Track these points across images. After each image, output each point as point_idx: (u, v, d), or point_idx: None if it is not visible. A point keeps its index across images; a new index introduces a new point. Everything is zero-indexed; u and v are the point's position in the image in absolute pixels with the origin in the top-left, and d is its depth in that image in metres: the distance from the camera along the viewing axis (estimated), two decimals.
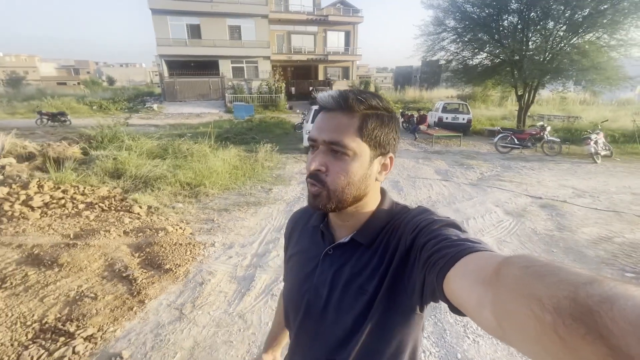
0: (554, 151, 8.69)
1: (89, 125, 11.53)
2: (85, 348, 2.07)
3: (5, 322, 2.24)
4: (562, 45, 10.34)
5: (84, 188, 4.88)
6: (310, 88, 23.56)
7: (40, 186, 4.71)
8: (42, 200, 4.32)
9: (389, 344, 0.61)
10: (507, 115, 17.03)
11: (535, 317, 0.25)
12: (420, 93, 27.86)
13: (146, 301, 2.53)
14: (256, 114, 16.63)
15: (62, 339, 2.12)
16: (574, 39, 10.04)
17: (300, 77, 26.54)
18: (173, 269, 2.94)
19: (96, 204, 4.37)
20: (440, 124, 11.96)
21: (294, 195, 5.32)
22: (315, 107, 9.02)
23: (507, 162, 7.95)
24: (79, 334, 2.15)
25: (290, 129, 12.25)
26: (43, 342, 2.09)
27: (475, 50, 11.96)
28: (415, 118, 11.88)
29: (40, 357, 1.99)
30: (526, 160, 8.19)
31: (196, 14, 21.63)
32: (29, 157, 6.53)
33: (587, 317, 0.22)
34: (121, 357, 2.02)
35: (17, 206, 4.10)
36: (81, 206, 4.25)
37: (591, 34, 9.91)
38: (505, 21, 11.21)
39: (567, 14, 9.92)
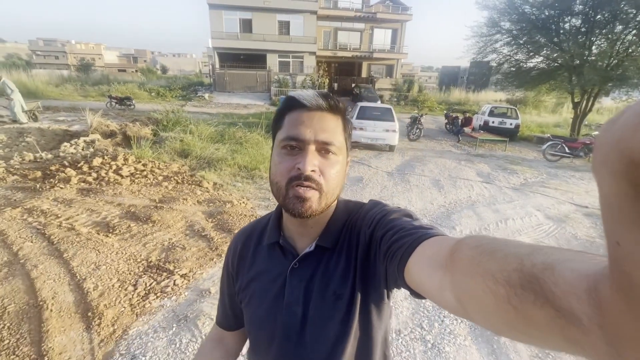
0: None
1: (150, 110, 12.81)
2: (182, 282, 2.66)
3: (122, 257, 2.90)
4: (630, 51, 9.68)
5: (159, 163, 5.68)
6: (353, 85, 23.77)
7: (125, 159, 5.57)
8: (129, 171, 5.14)
9: (374, 341, 0.61)
10: (560, 123, 16.13)
11: (491, 291, 0.27)
12: (466, 95, 26.91)
13: (222, 255, 3.09)
14: None
15: (164, 274, 2.73)
16: None
17: (344, 74, 26.76)
18: None
19: (171, 177, 5.11)
20: (486, 127, 11.72)
21: None
22: (361, 104, 9.33)
23: (554, 170, 7.75)
24: (176, 272, 2.75)
25: None
26: (151, 274, 2.71)
27: (531, 54, 11.52)
28: (459, 120, 11.75)
29: (151, 284, 2.60)
30: (576, 169, 7.92)
31: (249, 9, 22.64)
32: (110, 135, 7.58)
33: (534, 285, 0.24)
34: (209, 292, 2.57)
35: (110, 174, 4.94)
36: (160, 178, 5.01)
37: None
38: (567, 24, 10.68)
39: (638, 18, 9.28)
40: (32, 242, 3.03)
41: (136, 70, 57.26)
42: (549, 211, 4.91)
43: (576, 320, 0.21)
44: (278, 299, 0.62)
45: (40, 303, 2.26)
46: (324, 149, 0.56)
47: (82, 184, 4.58)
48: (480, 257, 0.30)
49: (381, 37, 26.64)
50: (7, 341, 1.97)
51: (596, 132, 9.28)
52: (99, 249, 2.97)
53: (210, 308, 2.38)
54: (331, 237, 0.62)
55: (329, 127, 0.56)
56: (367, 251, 0.57)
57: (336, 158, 0.57)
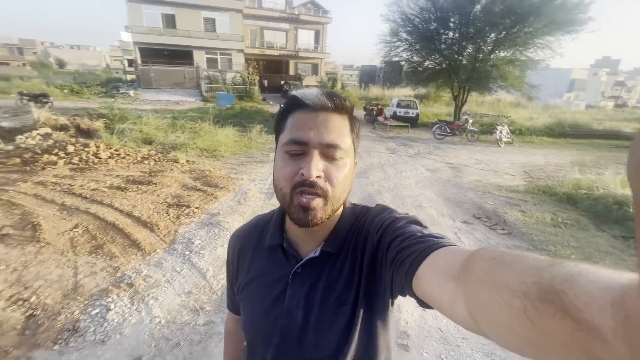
0: (474, 138, 11.58)
1: (72, 107, 12.52)
2: (197, 210, 4.03)
3: (147, 202, 4.12)
4: (485, 57, 13.33)
5: (128, 149, 6.55)
6: (282, 82, 25.37)
7: (97, 146, 6.31)
8: (106, 155, 5.97)
9: (377, 349, 0.59)
10: (451, 113, 20.25)
11: (506, 304, 0.26)
12: (382, 91, 30.67)
13: (218, 198, 4.51)
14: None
15: (183, 207, 4.07)
16: (493, 54, 13.05)
17: (272, 72, 28.12)
18: (225, 186, 4.92)
19: (148, 157, 6.10)
20: (394, 116, 14.57)
21: None
22: None
23: (439, 144, 10.64)
24: (191, 205, 4.10)
25: (269, 117, 14.13)
26: (175, 208, 4.02)
27: (423, 58, 14.69)
28: (374, 111, 14.38)
29: (177, 212, 3.93)
30: (453, 144, 10.95)
31: (171, 4, 22.38)
32: (61, 128, 7.86)
33: (553, 297, 0.23)
34: (219, 213, 4.01)
35: (91, 157, 5.74)
36: (139, 158, 5.98)
37: (507, 50, 12.97)
38: (446, 35, 14.01)
39: (490, 35, 12.87)
40: (68, 197, 4.01)
41: (24, 64, 49.25)
42: (428, 166, 7.36)
43: (598, 334, 0.20)
44: (278, 303, 0.61)
45: (111, 222, 3.45)
46: (329, 152, 0.54)
47: (70, 165, 5.35)
48: (496, 269, 0.29)
49: (305, 37, 28.70)
50: (105, 238, 3.18)
51: (464, 117, 12.62)
52: (126, 198, 4.12)
53: (224, 218, 3.85)
54: (337, 242, 0.60)
55: (335, 128, 0.54)
56: (373, 257, 0.56)
57: (343, 162, 0.55)
